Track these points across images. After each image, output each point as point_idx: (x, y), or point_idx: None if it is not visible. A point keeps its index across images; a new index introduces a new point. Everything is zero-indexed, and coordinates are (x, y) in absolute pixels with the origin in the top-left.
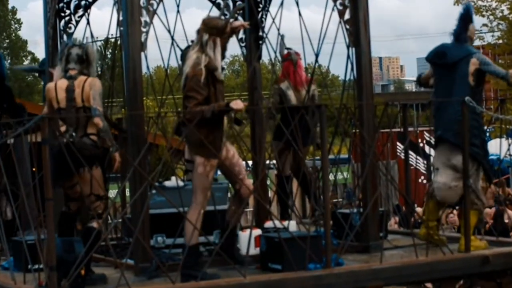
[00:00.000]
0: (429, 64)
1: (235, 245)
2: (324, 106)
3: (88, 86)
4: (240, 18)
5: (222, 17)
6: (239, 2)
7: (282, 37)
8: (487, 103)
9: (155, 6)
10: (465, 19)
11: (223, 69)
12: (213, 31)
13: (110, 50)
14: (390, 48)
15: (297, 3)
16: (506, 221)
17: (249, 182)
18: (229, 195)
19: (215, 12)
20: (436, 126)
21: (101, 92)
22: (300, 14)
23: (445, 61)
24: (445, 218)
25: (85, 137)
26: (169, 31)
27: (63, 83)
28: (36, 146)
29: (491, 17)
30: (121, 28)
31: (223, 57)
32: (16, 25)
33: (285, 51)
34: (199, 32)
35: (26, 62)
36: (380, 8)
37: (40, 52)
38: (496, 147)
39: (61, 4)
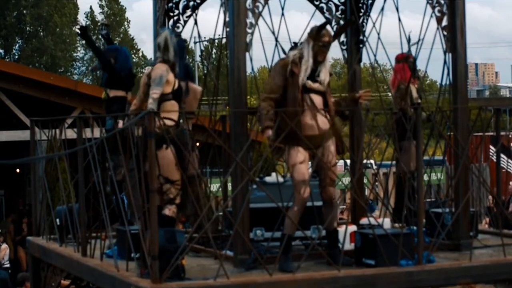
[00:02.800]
0: None
1: (335, 247)
2: (420, 108)
3: (153, 77)
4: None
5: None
6: (341, 7)
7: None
8: None
9: (260, 9)
10: None
11: (330, 74)
12: (310, 33)
13: (215, 50)
14: (484, 55)
15: (397, 9)
16: None
17: (332, 189)
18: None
19: (319, 17)
20: None
21: (157, 78)
22: (399, 20)
23: None
24: None
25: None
26: (273, 32)
27: (147, 70)
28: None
29: None
30: (227, 29)
31: (315, 63)
32: (126, 23)
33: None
34: None
35: (135, 59)
36: (473, 16)
37: (146, 50)
38: None
39: (170, 4)
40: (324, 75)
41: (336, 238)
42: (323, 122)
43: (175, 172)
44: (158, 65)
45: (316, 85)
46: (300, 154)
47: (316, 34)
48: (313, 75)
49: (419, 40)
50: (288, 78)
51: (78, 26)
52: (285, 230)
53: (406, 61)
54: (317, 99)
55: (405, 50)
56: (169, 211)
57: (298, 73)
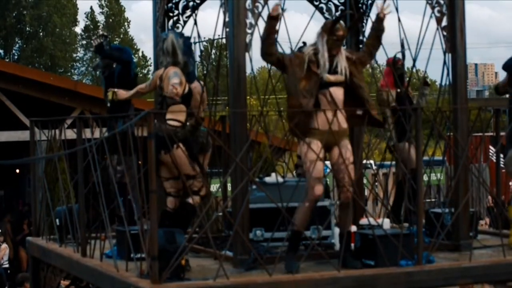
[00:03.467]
0: (506, 73)
1: (347, 250)
2: (420, 109)
3: (165, 77)
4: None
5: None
6: (341, 7)
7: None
8: None
9: (260, 9)
10: None
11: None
12: (324, 27)
13: (214, 50)
14: (483, 55)
15: (397, 9)
16: None
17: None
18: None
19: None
20: None
21: (171, 73)
22: (399, 20)
23: None
24: None
25: (166, 122)
26: None
27: (159, 71)
28: (142, 140)
29: None
30: (227, 29)
31: (330, 56)
32: (125, 24)
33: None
34: None
35: (135, 60)
36: (473, 16)
37: (145, 50)
38: None
39: (170, 5)
40: (341, 65)
41: (349, 241)
42: (342, 119)
43: (191, 167)
44: (170, 67)
45: (334, 77)
46: (320, 150)
47: (331, 28)
48: (330, 68)
49: (406, 41)
50: (307, 75)
51: (96, 43)
52: (295, 225)
53: (393, 66)
54: (338, 93)
55: (406, 51)
56: (193, 200)
57: (316, 70)
